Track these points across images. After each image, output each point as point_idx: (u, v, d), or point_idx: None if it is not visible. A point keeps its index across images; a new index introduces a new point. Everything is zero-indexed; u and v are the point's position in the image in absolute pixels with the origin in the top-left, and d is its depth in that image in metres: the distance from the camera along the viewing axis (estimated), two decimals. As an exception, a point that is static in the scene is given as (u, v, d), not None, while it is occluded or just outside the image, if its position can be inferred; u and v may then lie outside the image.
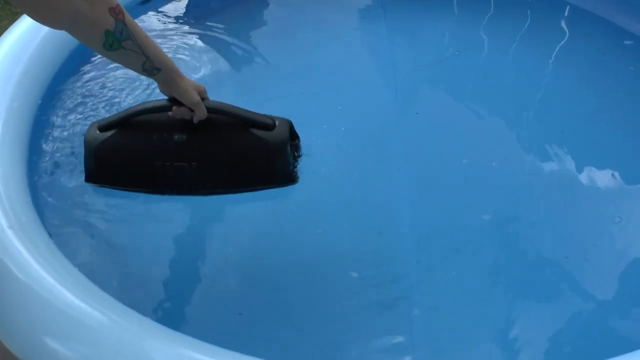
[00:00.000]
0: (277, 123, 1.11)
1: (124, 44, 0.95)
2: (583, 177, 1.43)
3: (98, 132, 1.13)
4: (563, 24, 1.98)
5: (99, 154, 1.13)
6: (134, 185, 1.16)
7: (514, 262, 1.27)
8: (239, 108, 1.10)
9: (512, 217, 1.36)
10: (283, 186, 1.11)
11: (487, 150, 1.51)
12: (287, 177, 1.11)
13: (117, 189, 1.19)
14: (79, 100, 1.61)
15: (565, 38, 1.90)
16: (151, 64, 0.99)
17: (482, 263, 1.26)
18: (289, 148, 1.11)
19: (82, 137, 1.24)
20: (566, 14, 2.02)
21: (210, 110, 1.07)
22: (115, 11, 0.93)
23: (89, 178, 1.14)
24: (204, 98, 1.09)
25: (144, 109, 1.10)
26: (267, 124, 1.09)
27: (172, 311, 1.18)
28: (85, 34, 0.93)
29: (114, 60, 1.00)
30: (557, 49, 1.85)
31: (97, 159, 1.13)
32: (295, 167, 1.14)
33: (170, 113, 1.08)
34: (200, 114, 1.07)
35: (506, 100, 1.68)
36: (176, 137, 1.09)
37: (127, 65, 1.01)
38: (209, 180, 1.12)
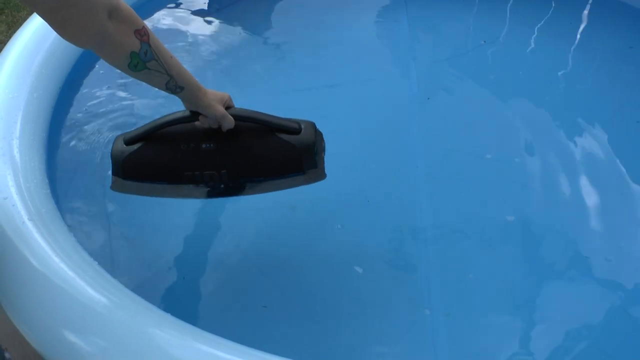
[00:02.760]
0: (302, 126, 1.12)
1: (148, 65, 0.96)
2: (608, 177, 1.40)
3: (124, 145, 1.12)
4: (588, 15, 1.93)
5: (127, 168, 1.11)
6: (163, 195, 1.15)
7: (535, 262, 1.25)
8: (264, 114, 1.11)
9: (534, 216, 1.34)
10: (312, 183, 1.12)
11: (510, 145, 1.49)
12: (316, 176, 1.12)
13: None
14: (97, 90, 1.62)
15: (591, 30, 1.85)
16: (175, 82, 1.00)
17: (502, 263, 1.24)
18: (315, 149, 1.11)
19: (101, 130, 1.25)
20: (591, 3, 1.97)
21: (236, 118, 1.08)
22: (141, 33, 0.94)
23: (116, 188, 1.13)
24: (229, 107, 1.10)
25: (170, 121, 1.10)
26: (293, 128, 1.10)
27: (189, 303, 1.18)
28: (111, 54, 0.94)
29: (139, 79, 1.00)
30: (582, 42, 1.81)
31: (126, 173, 1.12)
32: (323, 163, 1.14)
33: (197, 123, 1.09)
34: (228, 124, 1.08)
35: (529, 94, 1.66)
36: (204, 146, 1.10)
37: (151, 84, 1.01)
38: (240, 185, 1.13)
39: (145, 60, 0.95)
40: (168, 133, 1.11)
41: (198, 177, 1.11)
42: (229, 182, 1.12)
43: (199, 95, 1.04)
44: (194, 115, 1.07)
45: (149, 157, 1.11)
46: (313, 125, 1.13)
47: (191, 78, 1.03)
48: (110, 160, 1.12)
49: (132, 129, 1.13)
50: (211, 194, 1.15)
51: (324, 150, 1.14)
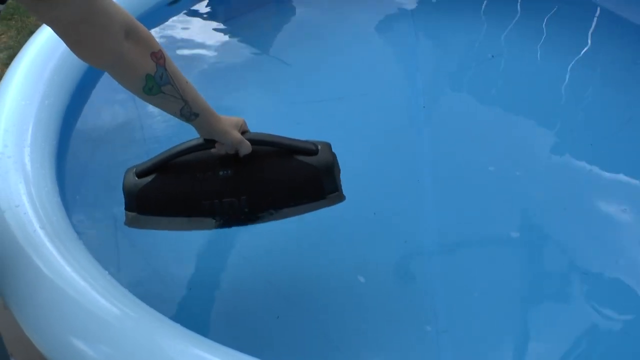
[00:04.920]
0: (319, 147, 1.09)
1: (163, 89, 0.93)
2: (612, 193, 1.41)
3: (136, 178, 1.07)
4: (594, 31, 1.94)
5: (141, 201, 1.06)
6: (182, 226, 1.10)
7: (539, 279, 1.25)
8: (280, 137, 1.08)
9: (538, 231, 1.34)
10: (333, 204, 1.11)
11: (516, 159, 1.50)
12: (338, 197, 1.11)
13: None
14: (107, 98, 1.63)
15: (597, 46, 1.86)
16: (189, 109, 0.97)
17: (507, 280, 1.24)
18: (335, 169, 1.10)
19: (111, 138, 1.24)
20: (596, 19, 1.99)
21: (253, 142, 1.05)
22: (157, 56, 0.92)
23: (132, 224, 1.08)
24: (245, 131, 1.07)
25: (184, 150, 1.05)
26: (310, 150, 1.08)
27: (196, 314, 1.19)
28: (126, 76, 0.93)
29: (153, 104, 0.97)
30: (588, 57, 1.82)
31: (141, 207, 1.07)
32: (340, 185, 1.14)
33: (212, 150, 1.05)
34: (245, 149, 1.04)
35: (534, 108, 1.66)
36: (221, 173, 1.06)
37: (166, 109, 0.99)
38: (260, 211, 1.10)
39: (161, 84, 0.93)
40: (182, 162, 1.06)
41: (217, 205, 1.07)
42: (249, 209, 1.09)
43: (214, 122, 1.01)
44: (209, 142, 1.04)
45: (164, 188, 1.06)
46: (329, 145, 1.12)
47: (206, 104, 1.00)
48: (123, 194, 1.06)
49: (143, 160, 1.08)
50: (231, 223, 1.11)
51: (339, 171, 1.13)
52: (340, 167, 1.12)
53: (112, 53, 0.89)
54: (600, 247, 1.30)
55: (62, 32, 0.86)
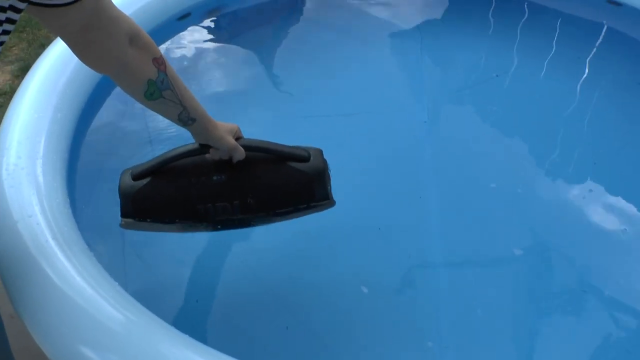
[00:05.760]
0: (311, 153, 1.12)
1: (164, 94, 0.96)
2: (612, 213, 1.42)
3: (132, 180, 1.09)
4: (596, 51, 1.97)
5: (136, 204, 1.08)
6: (176, 228, 1.14)
7: (542, 295, 1.26)
8: (273, 143, 1.11)
9: (540, 249, 1.36)
10: (322, 210, 1.13)
11: (519, 177, 1.52)
12: (328, 203, 1.13)
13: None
14: (117, 112, 1.66)
15: (600, 66, 1.89)
16: (187, 114, 1.00)
17: (508, 296, 1.26)
18: (326, 175, 1.13)
19: (119, 151, 1.26)
20: (600, 40, 2.01)
21: (247, 148, 1.08)
22: (159, 62, 0.95)
23: (127, 226, 1.11)
24: (239, 137, 1.10)
25: (179, 154, 1.08)
26: (302, 157, 1.11)
27: (200, 326, 1.21)
28: (129, 81, 0.96)
29: (152, 109, 1.00)
30: (591, 77, 1.84)
31: (136, 209, 1.09)
32: (330, 190, 1.16)
33: (207, 156, 1.08)
34: (239, 155, 1.08)
35: (537, 126, 1.69)
36: (215, 178, 1.09)
37: (164, 114, 1.02)
38: (252, 215, 1.13)
39: (162, 89, 0.96)
40: (177, 166, 1.09)
41: (210, 209, 1.10)
42: (242, 213, 1.12)
43: (210, 128, 1.03)
44: (204, 147, 1.07)
45: (159, 191, 1.09)
46: (321, 151, 1.14)
47: (203, 111, 1.03)
48: (118, 196, 1.08)
49: (139, 163, 1.10)
50: (224, 226, 1.14)
51: (330, 178, 1.15)
52: (346, 182, 1.15)
53: (117, 60, 0.92)
54: (602, 266, 1.31)
55: (69, 39, 0.89)
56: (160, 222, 1.12)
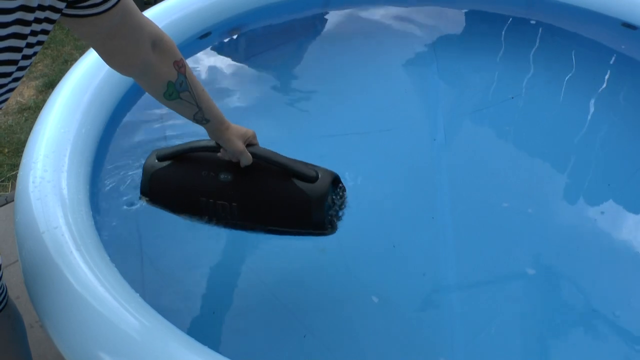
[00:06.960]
0: (320, 175, 1.12)
1: (181, 95, 1.02)
2: (625, 235, 1.43)
3: (156, 160, 1.22)
4: (611, 73, 1.98)
5: (153, 181, 1.22)
6: (180, 212, 1.24)
7: (555, 315, 1.27)
8: (283, 157, 1.14)
9: (554, 269, 1.36)
10: (317, 235, 1.15)
11: (529, 196, 1.53)
12: (323, 229, 1.14)
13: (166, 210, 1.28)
14: (138, 127, 1.70)
15: (614, 87, 1.90)
16: (202, 115, 1.06)
17: (521, 315, 1.26)
18: (327, 202, 1.12)
19: (141, 164, 1.31)
20: (615, 62, 2.03)
21: (255, 156, 1.12)
22: (179, 64, 1.00)
23: (143, 195, 1.25)
24: (253, 144, 1.14)
25: (197, 147, 1.18)
26: (309, 176, 1.12)
27: (217, 338, 1.23)
28: (151, 82, 1.01)
29: (170, 108, 1.07)
30: (605, 98, 1.85)
31: (152, 186, 1.23)
32: (337, 218, 1.17)
33: (218, 154, 1.15)
34: (245, 160, 1.12)
35: (551, 148, 1.70)
36: (222, 176, 1.16)
37: (181, 113, 1.08)
38: (247, 221, 1.18)
39: (180, 91, 1.01)
40: (195, 157, 1.19)
41: (211, 204, 1.17)
42: (239, 216, 1.17)
43: (222, 129, 1.10)
44: (219, 146, 1.14)
45: (173, 174, 1.20)
46: (332, 175, 1.14)
47: (218, 112, 1.09)
48: (142, 169, 1.24)
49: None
50: (221, 224, 1.21)
51: (344, 203, 1.16)
52: (361, 199, 1.15)
53: (142, 63, 0.96)
54: (614, 288, 1.31)
55: (96, 44, 0.93)
56: (170, 203, 1.23)
